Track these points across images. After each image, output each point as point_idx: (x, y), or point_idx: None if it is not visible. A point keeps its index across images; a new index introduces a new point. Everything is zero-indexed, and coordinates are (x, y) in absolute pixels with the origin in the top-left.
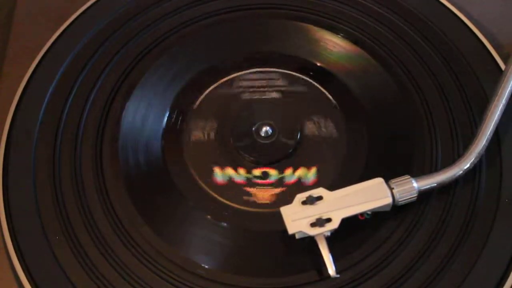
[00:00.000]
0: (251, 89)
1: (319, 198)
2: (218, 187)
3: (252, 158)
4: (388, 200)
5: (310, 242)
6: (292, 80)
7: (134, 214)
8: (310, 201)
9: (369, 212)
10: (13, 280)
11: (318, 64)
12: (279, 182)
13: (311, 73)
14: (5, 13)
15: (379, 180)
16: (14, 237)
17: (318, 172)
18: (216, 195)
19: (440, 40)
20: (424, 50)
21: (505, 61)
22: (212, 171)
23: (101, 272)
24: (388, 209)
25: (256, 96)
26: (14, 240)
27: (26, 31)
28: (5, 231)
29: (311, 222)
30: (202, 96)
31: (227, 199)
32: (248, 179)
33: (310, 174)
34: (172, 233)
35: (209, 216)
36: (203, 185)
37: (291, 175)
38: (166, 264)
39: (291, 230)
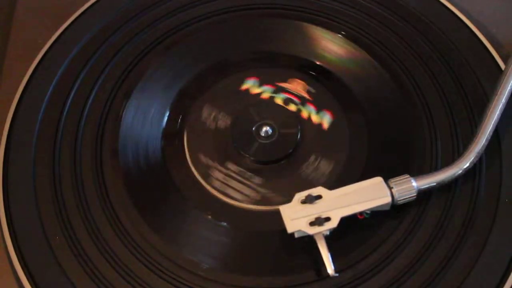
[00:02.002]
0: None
1: (318, 197)
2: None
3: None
4: (388, 199)
5: (309, 241)
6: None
7: (134, 213)
8: (309, 200)
9: (368, 211)
10: (13, 280)
11: (318, 64)
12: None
13: (311, 72)
14: (5, 13)
15: (379, 179)
16: (14, 237)
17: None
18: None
19: (440, 40)
20: (424, 50)
21: (505, 61)
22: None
23: (101, 272)
24: (387, 208)
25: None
26: (14, 240)
27: (26, 31)
28: (5, 231)
29: (310, 221)
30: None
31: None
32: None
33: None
34: (172, 232)
35: (209, 216)
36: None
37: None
38: (166, 264)
39: (290, 229)
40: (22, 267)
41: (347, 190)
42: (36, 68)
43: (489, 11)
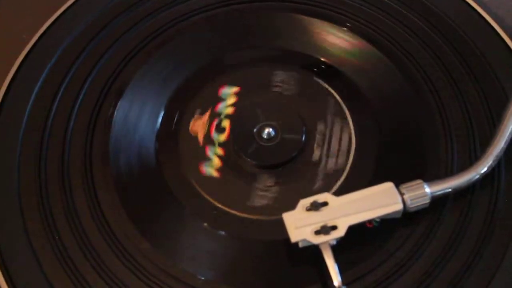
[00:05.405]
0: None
1: (324, 204)
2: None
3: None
4: (399, 207)
5: (314, 252)
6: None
7: (127, 222)
8: (314, 207)
9: (378, 220)
10: None
11: (323, 60)
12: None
13: (315, 69)
14: None
15: (389, 185)
16: None
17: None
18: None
19: (455, 34)
20: (438, 45)
21: None
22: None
23: (91, 285)
24: (398, 216)
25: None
26: None
27: (11, 26)
28: None
29: (315, 229)
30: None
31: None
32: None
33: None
34: (167, 242)
35: (206, 224)
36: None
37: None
38: (161, 276)
39: (294, 238)
40: (7, 283)
41: (355, 196)
42: (20, 65)
43: (509, 3)
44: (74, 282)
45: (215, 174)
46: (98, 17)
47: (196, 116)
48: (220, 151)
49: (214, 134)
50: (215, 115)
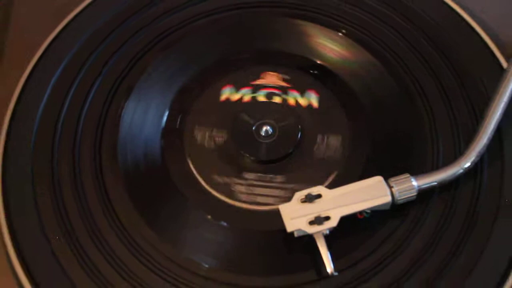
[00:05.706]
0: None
1: (318, 196)
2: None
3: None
4: (387, 199)
5: (309, 241)
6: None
7: (134, 214)
8: (309, 199)
9: (368, 211)
10: (13, 282)
11: (319, 63)
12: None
13: (312, 71)
14: (3, 12)
15: (379, 179)
16: (14, 238)
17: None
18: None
19: (441, 39)
20: (425, 48)
21: (508, 60)
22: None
23: (101, 272)
24: (387, 207)
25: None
26: (14, 241)
27: (24, 30)
28: (4, 233)
29: (309, 220)
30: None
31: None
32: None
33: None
34: (172, 232)
35: (209, 216)
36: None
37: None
38: (167, 264)
39: (289, 228)
40: (22, 268)
41: (347, 189)
42: (34, 67)
43: (492, 10)
44: (86, 271)
45: (223, 98)
46: (105, 24)
47: (272, 73)
48: (237, 96)
49: (251, 89)
50: (275, 87)
